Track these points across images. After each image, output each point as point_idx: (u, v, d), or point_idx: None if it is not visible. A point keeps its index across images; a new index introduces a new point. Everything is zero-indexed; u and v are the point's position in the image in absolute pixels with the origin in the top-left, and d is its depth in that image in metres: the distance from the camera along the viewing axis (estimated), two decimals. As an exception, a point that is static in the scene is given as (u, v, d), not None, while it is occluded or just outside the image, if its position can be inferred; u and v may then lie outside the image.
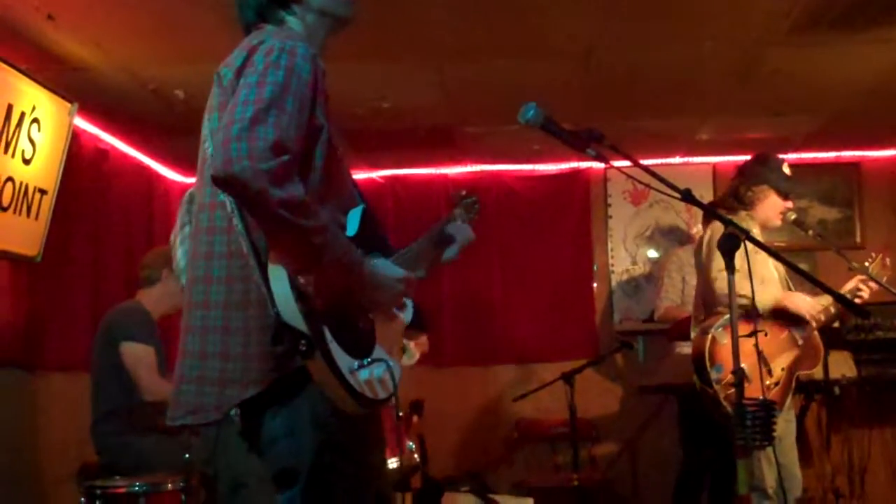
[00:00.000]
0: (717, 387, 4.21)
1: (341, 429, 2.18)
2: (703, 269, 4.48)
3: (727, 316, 4.22)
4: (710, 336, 4.30)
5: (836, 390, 5.68)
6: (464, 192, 3.08)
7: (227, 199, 2.18)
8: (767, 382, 4.22)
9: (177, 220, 3.02)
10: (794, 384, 4.29)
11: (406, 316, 2.51)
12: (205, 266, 2.23)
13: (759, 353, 4.14)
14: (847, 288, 4.37)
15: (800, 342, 4.31)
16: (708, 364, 4.25)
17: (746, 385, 3.91)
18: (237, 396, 2.13)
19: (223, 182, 2.01)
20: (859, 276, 4.39)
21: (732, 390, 4.06)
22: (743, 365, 4.00)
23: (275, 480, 2.18)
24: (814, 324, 4.32)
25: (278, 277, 2.09)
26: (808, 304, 4.30)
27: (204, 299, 2.21)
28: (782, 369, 4.27)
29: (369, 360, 2.22)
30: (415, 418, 6.02)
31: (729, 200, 4.54)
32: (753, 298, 3.79)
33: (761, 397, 3.73)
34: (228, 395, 2.14)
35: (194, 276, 2.26)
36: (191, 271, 2.30)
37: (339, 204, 2.32)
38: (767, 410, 2.88)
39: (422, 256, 2.71)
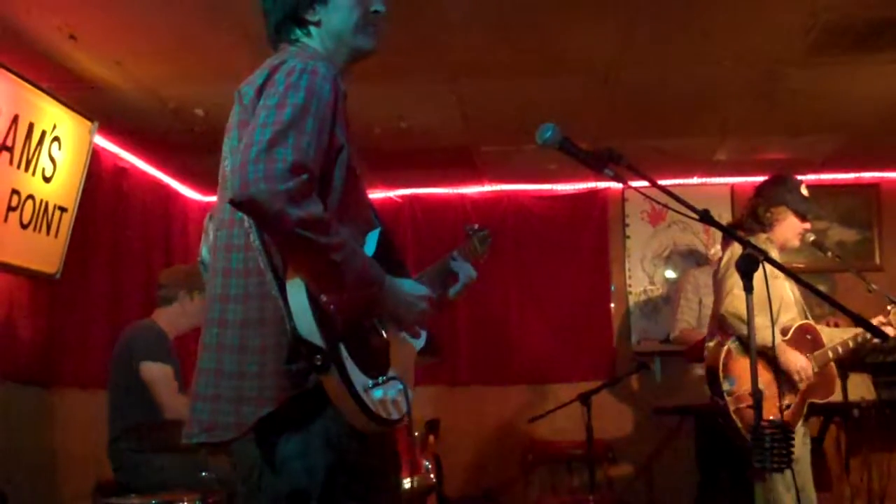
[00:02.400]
0: (728, 398, 4.22)
1: (355, 450, 2.18)
2: (717, 290, 4.48)
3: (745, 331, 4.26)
4: (726, 348, 4.29)
5: (856, 413, 5.63)
6: (476, 226, 3.06)
7: (245, 217, 2.18)
8: (782, 404, 4.20)
9: (203, 237, 3.04)
10: (805, 410, 4.25)
11: (419, 340, 2.50)
12: (222, 284, 2.23)
13: (778, 373, 4.13)
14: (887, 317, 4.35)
15: (815, 370, 4.28)
16: (721, 375, 4.25)
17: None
18: (253, 414, 2.13)
19: (241, 205, 2.03)
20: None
21: (743, 404, 4.12)
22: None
23: (288, 500, 2.18)
24: (800, 383, 4.25)
25: (296, 292, 2.09)
26: (799, 365, 4.23)
27: (220, 317, 2.21)
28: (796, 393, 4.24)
29: (384, 378, 2.21)
30: (430, 438, 6.01)
31: (748, 222, 4.52)
32: (773, 326, 3.79)
33: (777, 419, 3.73)
34: (244, 413, 2.13)
35: (212, 294, 2.26)
36: (208, 289, 2.30)
37: (357, 226, 2.32)
38: (785, 433, 2.85)
39: (432, 288, 2.70)
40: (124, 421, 4.62)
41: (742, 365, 4.22)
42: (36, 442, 5.07)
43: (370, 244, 2.36)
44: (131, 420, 4.60)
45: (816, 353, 4.31)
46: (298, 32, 2.41)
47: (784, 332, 4.31)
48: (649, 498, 6.93)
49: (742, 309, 4.17)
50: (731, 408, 4.19)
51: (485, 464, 7.06)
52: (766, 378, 4.15)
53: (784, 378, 4.21)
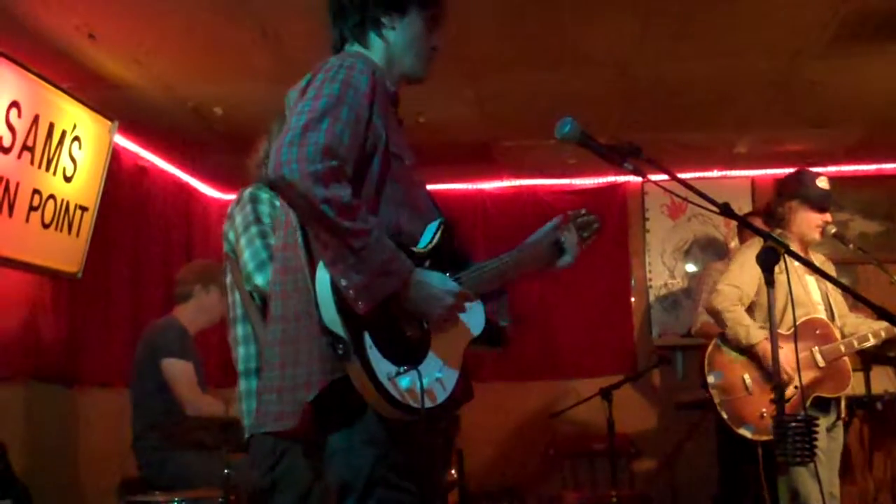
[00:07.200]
0: (713, 391, 4.32)
1: (397, 446, 2.22)
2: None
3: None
4: (713, 342, 4.40)
5: (879, 406, 5.59)
6: (583, 211, 2.97)
7: (294, 217, 2.27)
8: (773, 398, 4.13)
9: (238, 219, 3.07)
10: (808, 404, 4.19)
11: (474, 328, 2.50)
12: (281, 281, 2.34)
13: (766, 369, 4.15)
14: None
15: (821, 364, 4.23)
16: (706, 369, 4.35)
17: (745, 396, 4.21)
18: (303, 399, 2.20)
19: (274, 184, 2.18)
20: None
21: (728, 396, 4.24)
22: (745, 375, 4.24)
23: (334, 494, 2.25)
24: (786, 378, 4.13)
25: (322, 282, 2.15)
26: (784, 359, 4.02)
27: (282, 313, 2.32)
28: (795, 387, 4.16)
29: (405, 367, 2.19)
30: (452, 434, 6.00)
31: (764, 219, 4.51)
32: (794, 319, 3.80)
33: (803, 413, 3.69)
34: (299, 399, 2.21)
35: (273, 292, 2.37)
36: (271, 286, 2.41)
37: (411, 215, 2.38)
38: (809, 426, 2.83)
39: (526, 264, 2.77)
40: (147, 418, 4.65)
41: (727, 359, 4.33)
42: (60, 440, 5.11)
43: (428, 233, 2.41)
44: (154, 417, 4.63)
45: (825, 347, 4.26)
46: (367, 38, 2.48)
47: (787, 328, 4.25)
48: (671, 492, 6.91)
49: (720, 305, 4.28)
50: (716, 400, 4.29)
51: (507, 459, 7.05)
52: (753, 374, 4.27)
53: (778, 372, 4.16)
